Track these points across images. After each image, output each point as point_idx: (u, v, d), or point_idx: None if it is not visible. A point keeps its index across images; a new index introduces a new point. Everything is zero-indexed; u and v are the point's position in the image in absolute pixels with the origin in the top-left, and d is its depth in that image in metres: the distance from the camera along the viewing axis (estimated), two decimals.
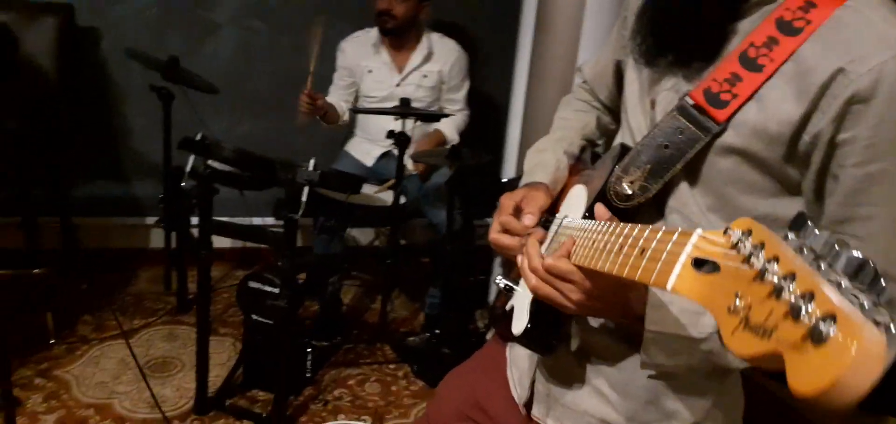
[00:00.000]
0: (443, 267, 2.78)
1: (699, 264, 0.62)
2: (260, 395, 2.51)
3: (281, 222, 2.30)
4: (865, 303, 0.46)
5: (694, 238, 0.65)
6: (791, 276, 0.49)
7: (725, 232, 0.61)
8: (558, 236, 1.12)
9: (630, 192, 1.05)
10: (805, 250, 0.52)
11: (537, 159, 1.34)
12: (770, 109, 0.92)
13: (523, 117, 3.20)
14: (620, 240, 0.82)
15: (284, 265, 2.35)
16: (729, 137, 0.96)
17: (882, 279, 0.48)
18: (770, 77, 0.92)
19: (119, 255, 3.45)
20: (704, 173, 1.01)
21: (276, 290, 2.39)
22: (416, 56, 3.10)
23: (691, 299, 0.61)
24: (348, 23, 3.24)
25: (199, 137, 2.36)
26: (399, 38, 3.06)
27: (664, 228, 0.72)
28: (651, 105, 1.10)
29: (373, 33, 3.12)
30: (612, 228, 0.87)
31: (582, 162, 1.39)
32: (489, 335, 2.67)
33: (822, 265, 0.50)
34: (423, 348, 2.76)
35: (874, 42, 0.85)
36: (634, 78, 1.16)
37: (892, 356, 0.44)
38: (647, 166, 1.04)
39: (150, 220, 3.48)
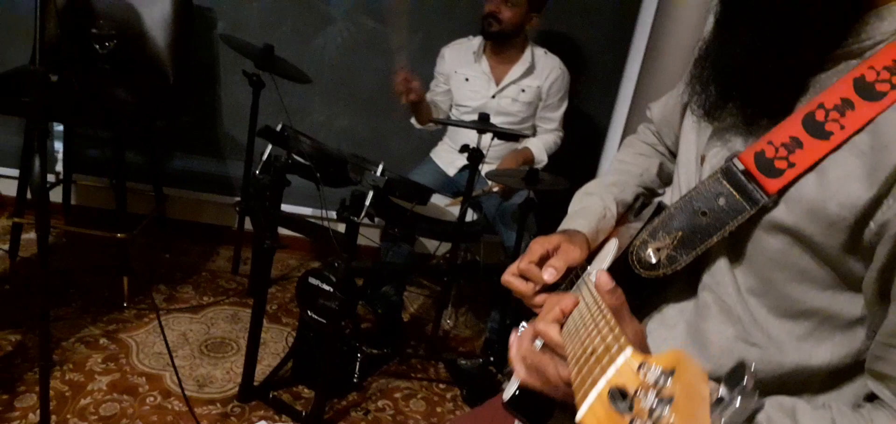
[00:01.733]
0: (504, 290, 2.66)
1: (618, 396, 0.51)
2: (305, 392, 2.49)
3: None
4: None
5: (619, 361, 0.54)
6: None
7: (640, 367, 0.51)
8: (580, 291, 1.01)
9: (655, 260, 0.92)
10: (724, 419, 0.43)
11: (581, 204, 1.22)
12: (832, 186, 0.76)
13: (620, 147, 3.05)
14: (590, 328, 0.71)
15: (340, 267, 2.33)
16: (779, 213, 0.81)
17: None
18: (837, 148, 0.76)
19: (205, 230, 3.56)
20: (748, 252, 0.86)
21: (331, 289, 2.37)
22: (517, 69, 2.99)
23: None
24: (460, 31, 3.19)
25: (279, 127, 2.39)
26: (501, 45, 2.97)
27: (614, 332, 0.61)
28: (701, 161, 0.96)
29: (475, 42, 3.05)
30: (594, 307, 0.77)
31: (630, 211, 1.26)
32: (505, 384, 2.55)
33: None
34: (475, 372, 2.66)
35: None
36: (692, 128, 1.02)
37: None
38: (679, 232, 0.90)
39: (236, 201, 3.57)
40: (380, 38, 3.44)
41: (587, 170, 3.17)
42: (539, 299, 1.07)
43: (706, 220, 0.87)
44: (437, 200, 2.68)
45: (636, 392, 0.49)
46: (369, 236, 3.25)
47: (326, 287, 2.35)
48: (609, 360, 0.55)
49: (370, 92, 3.49)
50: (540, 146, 3.04)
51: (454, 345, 3.06)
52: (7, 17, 3.20)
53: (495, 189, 2.81)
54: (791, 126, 0.80)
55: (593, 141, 3.54)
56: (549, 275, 1.05)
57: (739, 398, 0.45)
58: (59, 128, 3.29)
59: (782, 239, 0.82)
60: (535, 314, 1.11)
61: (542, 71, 3.02)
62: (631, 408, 0.48)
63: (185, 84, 3.20)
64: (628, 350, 0.54)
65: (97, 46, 2.75)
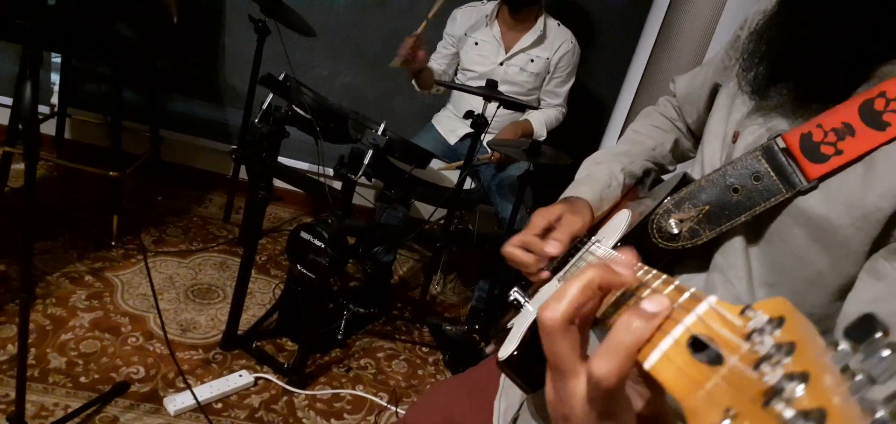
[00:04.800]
0: (494, 261, 2.65)
1: (699, 345, 0.44)
2: (288, 345, 2.48)
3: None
4: None
5: (701, 308, 0.45)
6: (819, 416, 0.32)
7: (743, 312, 0.43)
8: (579, 263, 0.97)
9: (676, 231, 0.88)
10: (859, 375, 0.34)
11: (588, 171, 1.19)
12: (878, 178, 0.72)
13: (623, 130, 3.00)
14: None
15: (333, 224, 2.29)
16: (813, 202, 0.77)
17: None
18: (892, 141, 0.72)
19: (199, 176, 3.53)
20: (768, 238, 0.83)
21: (323, 245, 2.34)
22: (528, 37, 2.95)
23: (669, 390, 0.43)
24: None
25: (282, 76, 2.35)
26: (518, 12, 2.92)
27: (676, 283, 0.52)
28: (734, 138, 0.92)
29: (489, 6, 3.00)
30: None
31: (641, 186, 1.22)
32: (489, 350, 2.53)
33: (882, 412, 0.32)
34: (459, 338, 2.64)
35: None
36: (724, 104, 0.98)
37: None
38: (706, 207, 0.86)
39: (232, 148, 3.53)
40: None
41: (589, 147, 3.11)
42: (544, 274, 1.03)
43: (737, 197, 0.84)
44: (436, 165, 2.65)
45: (730, 341, 0.41)
46: (365, 195, 3.22)
47: (318, 243, 2.32)
48: (683, 308, 0.47)
49: (376, 51, 3.43)
50: (540, 120, 3.00)
51: (440, 310, 3.05)
52: None
53: (493, 158, 2.77)
54: (845, 112, 0.76)
55: (597, 119, 3.50)
56: (552, 247, 1.01)
57: (884, 350, 0.35)
58: (57, 59, 3.23)
59: (806, 233, 0.79)
60: (530, 284, 1.08)
61: (554, 43, 2.97)
62: (720, 361, 0.40)
63: (189, 25, 3.14)
64: (712, 298, 0.46)
65: None
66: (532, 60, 2.95)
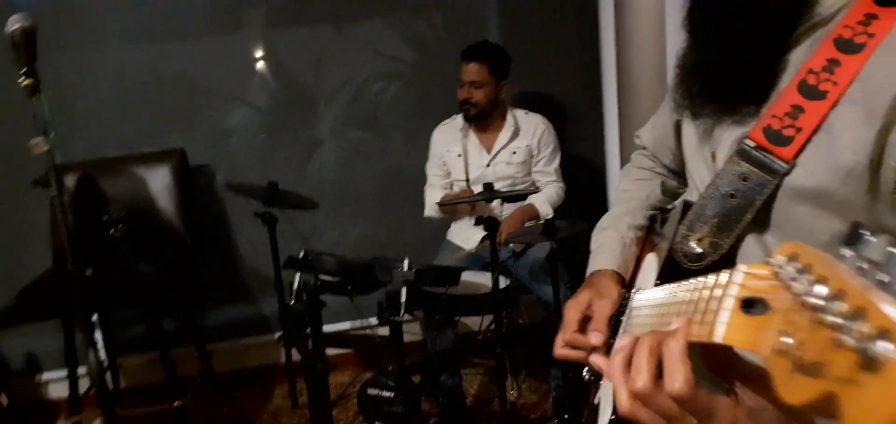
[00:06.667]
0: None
1: (750, 305, 0.53)
2: None
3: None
4: None
5: (739, 277, 0.56)
6: (839, 295, 0.40)
7: (768, 264, 0.52)
8: (632, 317, 1.04)
9: (700, 250, 0.95)
10: (866, 265, 0.41)
11: (600, 240, 1.27)
12: (841, 137, 0.81)
13: (621, 142, 3.13)
14: (683, 305, 0.71)
15: (395, 369, 2.38)
16: (800, 177, 0.85)
17: None
18: (836, 103, 0.81)
19: (253, 373, 3.62)
20: (777, 224, 0.90)
21: (392, 395, 2.41)
22: (504, 134, 3.11)
23: (743, 350, 0.52)
24: (441, 115, 3.32)
25: (301, 254, 2.47)
26: (484, 121, 3.10)
27: (716, 275, 0.62)
28: (712, 157, 1.02)
29: (459, 119, 3.17)
30: (677, 291, 0.77)
31: (654, 232, 1.32)
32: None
33: (884, 277, 0.39)
34: None
35: None
36: (691, 133, 1.08)
37: None
38: (714, 219, 0.94)
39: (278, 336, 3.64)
40: (367, 144, 3.59)
41: (598, 208, 3.23)
42: (600, 361, 1.09)
43: (736, 201, 0.91)
44: (467, 277, 2.74)
45: (769, 289, 0.50)
46: (412, 331, 3.30)
47: (386, 394, 2.39)
48: (724, 287, 0.56)
49: (373, 195, 3.61)
50: (543, 199, 3.11)
51: (525, 414, 3.05)
52: (16, 225, 3.34)
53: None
54: (789, 96, 0.86)
55: (596, 178, 3.62)
56: (595, 338, 1.08)
57: (872, 239, 0.42)
58: (94, 317, 3.37)
59: (809, 207, 0.86)
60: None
61: (528, 130, 3.14)
62: (768, 307, 0.49)
63: (201, 240, 3.30)
64: (742, 266, 0.56)
65: (112, 231, 2.83)
66: (514, 152, 3.11)
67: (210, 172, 3.50)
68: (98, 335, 3.38)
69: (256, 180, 2.98)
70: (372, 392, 2.44)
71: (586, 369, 1.17)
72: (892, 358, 0.34)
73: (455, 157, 3.16)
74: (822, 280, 0.42)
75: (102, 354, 3.37)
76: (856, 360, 0.36)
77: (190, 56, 3.41)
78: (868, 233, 0.42)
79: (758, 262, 0.91)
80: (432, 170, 3.26)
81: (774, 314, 0.48)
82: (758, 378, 0.61)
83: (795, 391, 0.42)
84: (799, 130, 0.84)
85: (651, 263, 1.14)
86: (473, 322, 3.31)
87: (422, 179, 3.30)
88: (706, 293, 0.62)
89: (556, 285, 2.59)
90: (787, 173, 0.86)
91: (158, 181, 3.20)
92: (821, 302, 0.40)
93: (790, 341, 0.43)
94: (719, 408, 0.61)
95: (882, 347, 0.34)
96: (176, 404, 2.74)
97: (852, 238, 0.43)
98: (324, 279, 2.48)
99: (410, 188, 3.44)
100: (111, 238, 2.82)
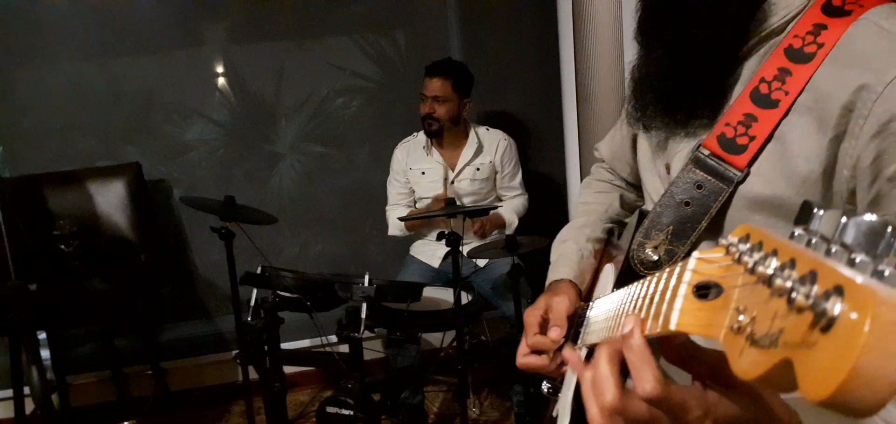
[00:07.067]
0: None
1: (704, 291, 0.52)
2: None
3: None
4: (886, 270, 0.36)
5: (691, 263, 0.55)
6: (790, 263, 0.40)
7: (728, 249, 0.51)
8: (590, 324, 1.04)
9: (656, 258, 0.96)
10: (814, 239, 0.41)
11: (559, 252, 1.27)
12: (794, 146, 0.82)
13: (580, 152, 3.14)
14: (638, 301, 0.68)
15: (354, 387, 2.34)
16: (754, 186, 0.86)
17: None
18: (788, 112, 0.83)
19: (210, 392, 3.52)
20: (731, 230, 0.92)
21: (351, 413, 2.37)
22: (467, 151, 3.10)
23: (700, 336, 0.50)
24: (403, 132, 3.30)
25: (259, 270, 2.43)
26: (447, 138, 3.09)
27: (670, 267, 0.60)
28: (666, 169, 1.03)
29: (422, 136, 3.16)
30: (633, 291, 0.74)
31: (612, 244, 1.32)
32: None
33: (833, 248, 0.39)
34: None
35: (894, 52, 0.76)
36: (647, 147, 1.08)
37: None
38: (670, 227, 0.95)
39: (235, 353, 3.57)
40: (328, 159, 3.56)
41: (559, 222, 3.25)
42: (568, 354, 1.08)
43: (691, 209, 0.92)
44: (429, 292, 2.72)
45: (723, 271, 0.49)
46: (374, 348, 3.26)
47: (346, 412, 2.35)
48: (677, 276, 0.56)
49: (334, 210, 3.57)
50: (509, 210, 3.15)
51: None
52: None
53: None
54: (742, 105, 0.86)
55: (557, 194, 3.64)
56: (555, 333, 1.06)
57: (821, 212, 0.43)
58: (41, 335, 3.27)
59: (764, 214, 0.87)
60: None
61: (491, 147, 3.14)
62: (723, 289, 0.48)
63: (156, 256, 3.23)
64: (695, 252, 0.55)
65: (63, 246, 2.76)
66: (478, 169, 3.11)
67: (167, 187, 3.44)
68: (46, 353, 3.29)
69: (215, 195, 2.93)
70: (331, 410, 2.40)
71: (545, 382, 1.16)
72: (845, 312, 0.34)
73: (419, 175, 3.14)
74: (772, 253, 0.42)
75: (50, 373, 3.28)
76: (809, 321, 0.36)
77: (148, 70, 3.36)
78: (818, 208, 0.43)
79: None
80: (394, 188, 3.24)
81: (728, 294, 0.48)
82: (719, 364, 0.60)
83: (750, 366, 0.41)
84: (752, 138, 0.85)
85: (608, 272, 1.15)
86: (436, 339, 3.30)
87: (383, 194, 3.28)
88: (661, 285, 0.61)
89: (517, 300, 2.58)
90: (741, 181, 0.87)
91: (112, 196, 3.12)
92: (772, 272, 0.41)
93: (744, 318, 0.43)
94: (691, 400, 0.59)
95: (834, 302, 0.34)
96: (129, 423, 2.66)
97: (803, 216, 0.44)
98: (282, 295, 2.44)
99: (372, 204, 3.42)
100: (61, 253, 2.75)
